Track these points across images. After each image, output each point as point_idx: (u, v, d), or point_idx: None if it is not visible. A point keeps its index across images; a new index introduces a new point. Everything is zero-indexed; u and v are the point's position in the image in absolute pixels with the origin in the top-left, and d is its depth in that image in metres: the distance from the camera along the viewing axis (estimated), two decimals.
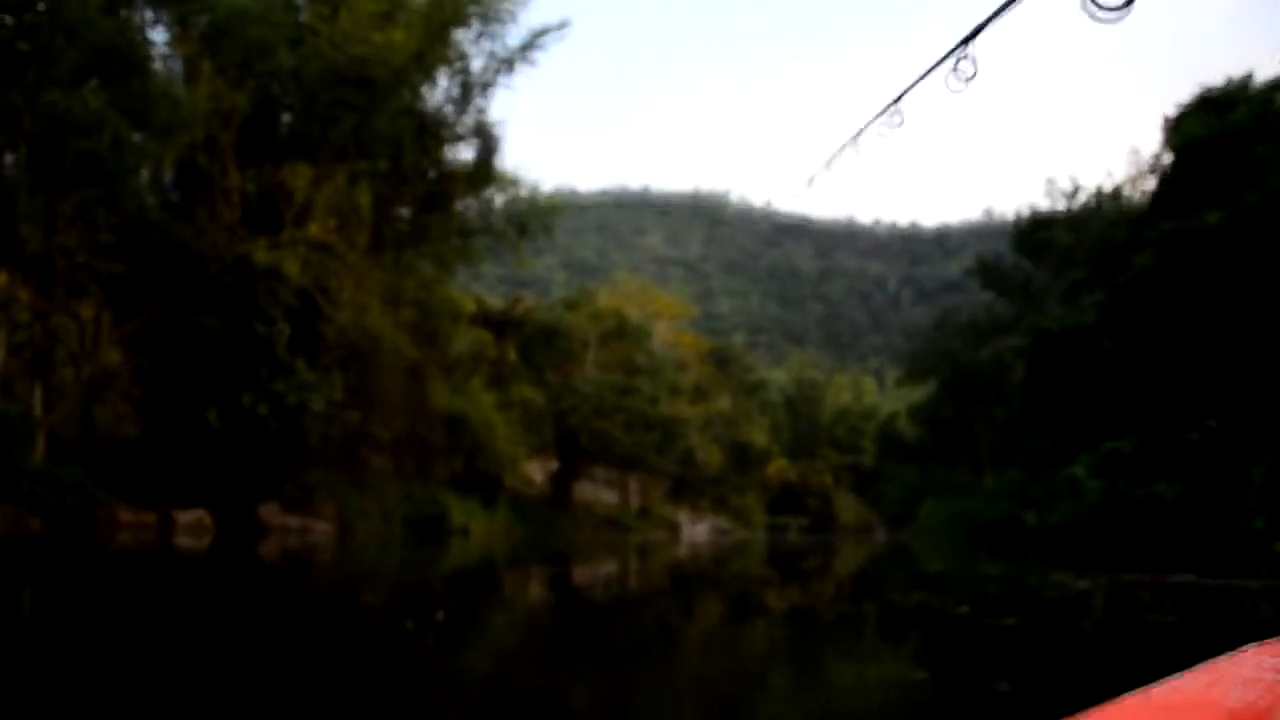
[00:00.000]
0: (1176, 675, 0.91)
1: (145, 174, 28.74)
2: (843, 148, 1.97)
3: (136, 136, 25.10)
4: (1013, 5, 1.31)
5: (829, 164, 2.16)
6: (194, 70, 29.40)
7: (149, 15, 29.78)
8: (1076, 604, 8.78)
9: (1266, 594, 9.52)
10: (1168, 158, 40.64)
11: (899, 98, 1.66)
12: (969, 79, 1.43)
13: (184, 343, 27.61)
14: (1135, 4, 1.10)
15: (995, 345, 51.94)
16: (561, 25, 36.91)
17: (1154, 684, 0.86)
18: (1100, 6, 1.12)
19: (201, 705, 3.38)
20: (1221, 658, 1.00)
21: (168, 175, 30.48)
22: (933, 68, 1.52)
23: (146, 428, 28.41)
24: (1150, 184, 42.95)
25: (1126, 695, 0.81)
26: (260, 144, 30.65)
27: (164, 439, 27.40)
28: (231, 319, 27.78)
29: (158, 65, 29.40)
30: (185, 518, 25.51)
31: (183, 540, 19.26)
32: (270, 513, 28.26)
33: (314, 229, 29.88)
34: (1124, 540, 27.24)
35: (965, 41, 1.44)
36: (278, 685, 3.92)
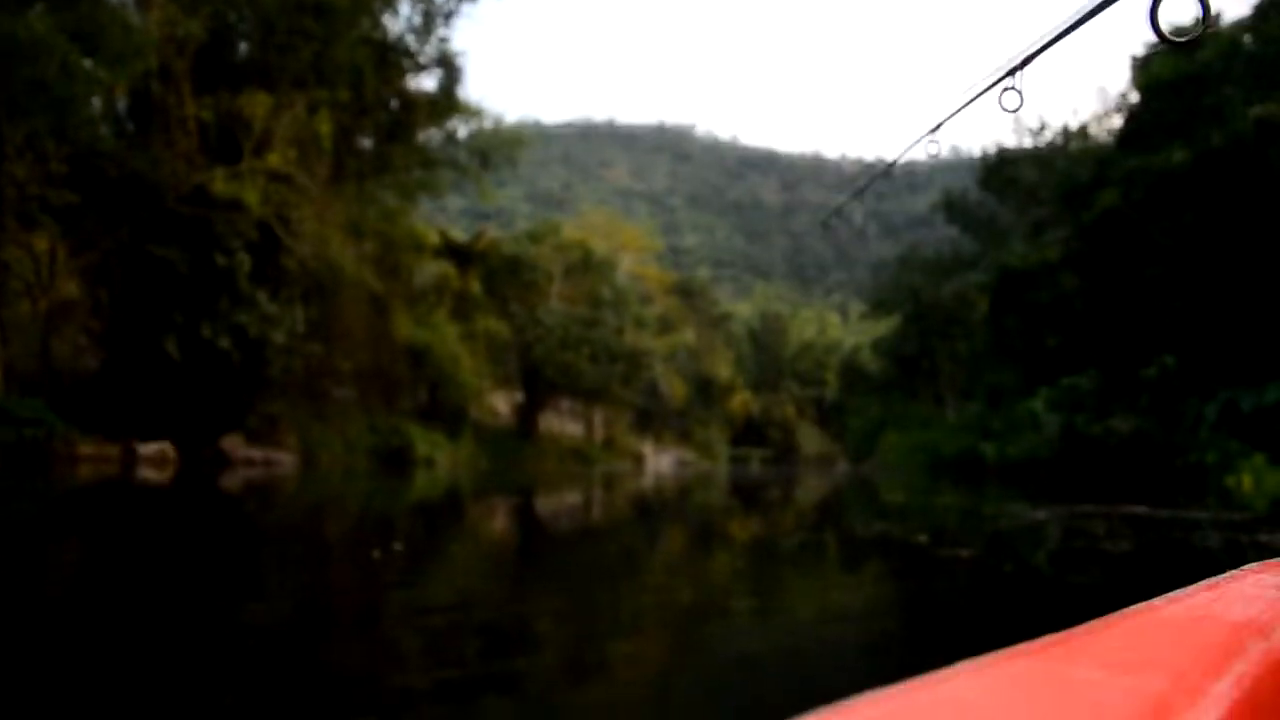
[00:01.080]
0: (1178, 591, 0.93)
1: (97, 102, 28.01)
2: (875, 176, 1.96)
3: (87, 63, 24.42)
4: (1064, 36, 1.30)
5: (859, 194, 2.16)
6: None
7: None
8: (1032, 534, 8.96)
9: (1215, 524, 9.75)
10: (1134, 97, 40.75)
11: (937, 126, 1.65)
12: (1016, 109, 1.43)
13: (142, 274, 27.24)
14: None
15: (959, 280, 52.30)
16: None
17: (1156, 599, 0.88)
18: (1167, 36, 1.10)
19: (159, 642, 3.38)
20: (1222, 575, 1.03)
21: (121, 103, 29.75)
22: (975, 97, 1.52)
23: (106, 360, 28.12)
24: (1116, 122, 43.08)
25: (1127, 609, 0.83)
26: (217, 72, 29.95)
27: (124, 371, 27.15)
28: (191, 250, 27.40)
29: None
30: (147, 450, 25.36)
31: (145, 472, 19.16)
32: (234, 444, 28.16)
33: (274, 159, 29.38)
34: (1081, 472, 27.75)
35: (1011, 72, 1.43)
36: (239, 618, 3.94)
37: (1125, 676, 0.58)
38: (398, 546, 6.61)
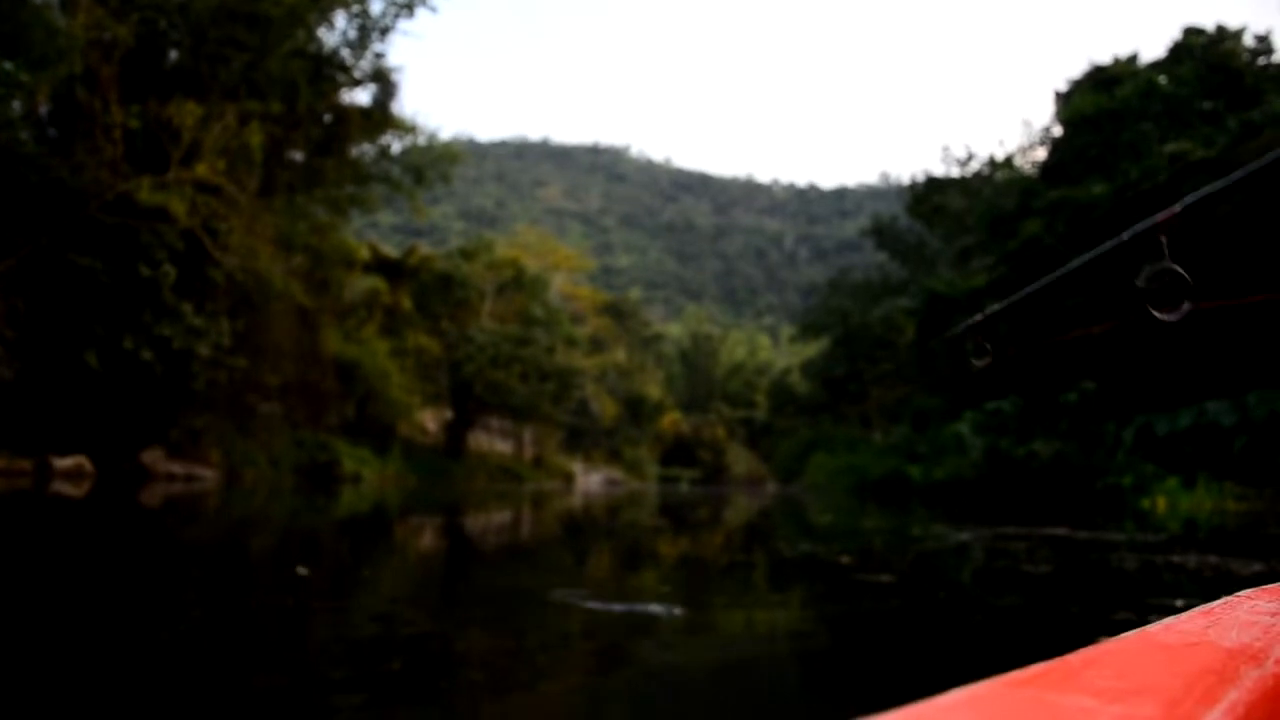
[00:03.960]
0: (1172, 617, 0.93)
1: (18, 106, 27.30)
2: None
3: (7, 65, 23.83)
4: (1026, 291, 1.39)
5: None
6: None
7: None
8: (956, 555, 9.11)
9: (1131, 546, 10.00)
10: (1058, 130, 41.93)
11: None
12: (983, 362, 1.55)
13: (62, 283, 26.55)
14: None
15: (888, 305, 53.15)
16: None
17: (1150, 625, 0.89)
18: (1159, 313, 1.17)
19: (64, 659, 3.30)
20: (1217, 601, 1.02)
21: (43, 108, 29.05)
22: (951, 335, 1.65)
23: (21, 372, 27.32)
24: (1040, 154, 44.25)
25: (1123, 635, 0.84)
26: (145, 80, 29.40)
27: (40, 383, 26.41)
28: (113, 260, 26.79)
29: None
30: (63, 464, 24.69)
31: (60, 487, 18.64)
32: (154, 459, 27.54)
33: (202, 169, 28.87)
34: (1004, 494, 28.27)
35: (977, 325, 1.54)
36: (150, 638, 3.85)
37: (1117, 705, 0.57)
38: (302, 571, 6.52)
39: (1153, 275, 1.14)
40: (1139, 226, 1.16)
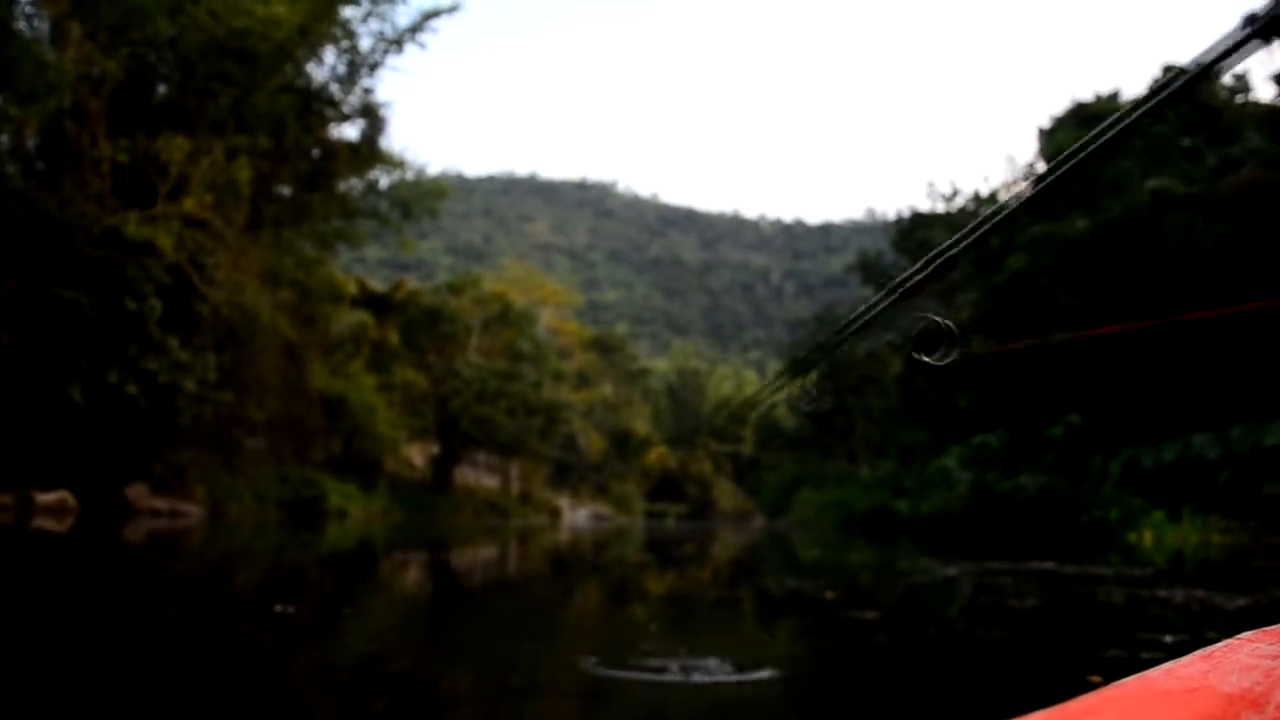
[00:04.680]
0: (1172, 661, 0.92)
1: (6, 139, 27.30)
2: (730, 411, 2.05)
3: None
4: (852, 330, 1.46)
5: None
6: (62, 33, 28.04)
7: None
8: (943, 590, 9.10)
9: (1118, 580, 9.99)
10: (1041, 166, 42.30)
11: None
12: (812, 402, 1.60)
13: (48, 317, 26.43)
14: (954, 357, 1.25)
15: (874, 340, 53.26)
16: (453, 7, 36.40)
17: (1151, 670, 0.87)
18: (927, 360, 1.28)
19: (37, 701, 3.27)
20: (1218, 644, 1.01)
21: (32, 142, 29.04)
22: (779, 387, 1.70)
23: (4, 405, 27.14)
24: (1024, 190, 44.67)
25: (1123, 680, 0.83)
26: (134, 114, 29.42)
27: (24, 417, 26.21)
28: (99, 294, 26.69)
29: (21, 25, 27.93)
30: (46, 499, 24.45)
31: (43, 522, 18.47)
32: (138, 494, 27.31)
33: (189, 204, 28.84)
34: (991, 529, 28.25)
35: (802, 369, 1.59)
36: (130, 674, 3.81)
37: None
38: (280, 608, 6.47)
39: (922, 330, 1.29)
40: (896, 283, 1.32)
